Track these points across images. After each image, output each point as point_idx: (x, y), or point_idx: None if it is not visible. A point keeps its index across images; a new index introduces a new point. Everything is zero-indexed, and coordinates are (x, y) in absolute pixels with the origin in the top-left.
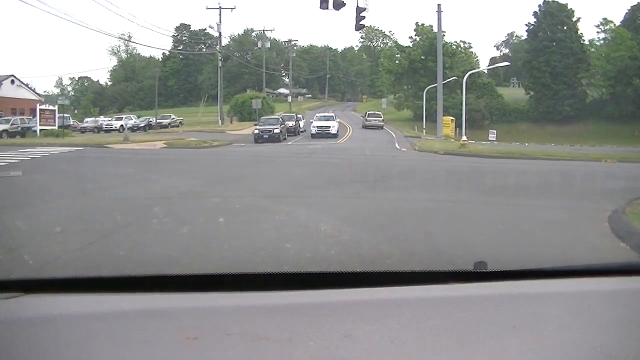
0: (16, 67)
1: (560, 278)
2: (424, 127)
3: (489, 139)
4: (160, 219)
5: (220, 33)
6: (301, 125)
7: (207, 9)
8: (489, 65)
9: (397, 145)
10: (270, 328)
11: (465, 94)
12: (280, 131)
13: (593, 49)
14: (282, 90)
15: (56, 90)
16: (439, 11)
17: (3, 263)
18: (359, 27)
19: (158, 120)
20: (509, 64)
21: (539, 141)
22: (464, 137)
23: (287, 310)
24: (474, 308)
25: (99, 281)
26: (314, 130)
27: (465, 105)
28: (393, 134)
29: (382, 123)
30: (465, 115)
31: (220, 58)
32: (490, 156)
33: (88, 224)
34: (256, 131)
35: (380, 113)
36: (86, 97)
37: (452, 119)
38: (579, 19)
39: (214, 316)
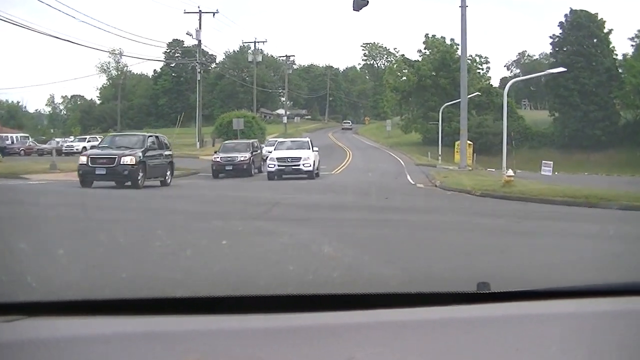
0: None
1: (564, 299)
2: (440, 153)
3: (543, 172)
4: None
5: (199, 41)
6: None
7: (185, 12)
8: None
9: (409, 177)
10: (274, 351)
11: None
12: (251, 160)
13: (628, 65)
14: (281, 111)
15: (48, 109)
16: (463, 6)
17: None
18: (359, 4)
19: None
20: (564, 69)
21: (567, 170)
22: (509, 171)
23: (290, 332)
24: (478, 330)
25: (102, 304)
26: (272, 166)
27: (507, 126)
28: (402, 162)
29: (351, 128)
30: (511, 139)
31: (199, 70)
32: (557, 201)
33: None
34: (217, 159)
35: (349, 122)
36: (73, 116)
37: (469, 143)
38: (610, 31)
39: (216, 339)
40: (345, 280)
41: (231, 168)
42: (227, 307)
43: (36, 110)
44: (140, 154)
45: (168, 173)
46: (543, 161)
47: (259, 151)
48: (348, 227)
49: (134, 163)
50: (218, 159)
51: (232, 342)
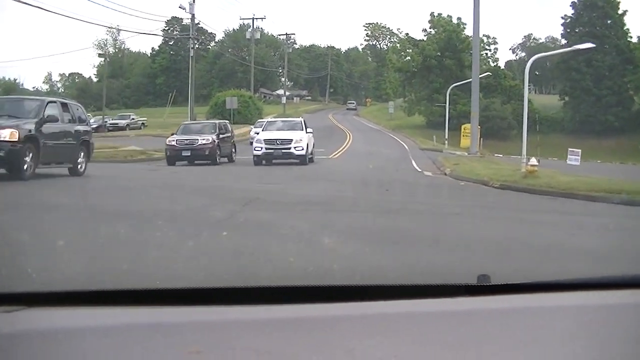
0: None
1: (565, 291)
2: (447, 137)
3: (569, 162)
4: None
5: (193, 15)
6: None
7: None
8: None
9: (414, 164)
10: (274, 342)
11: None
12: (215, 144)
13: None
14: (281, 92)
15: (45, 87)
16: None
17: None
18: None
19: (114, 121)
20: (593, 45)
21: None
22: (532, 160)
23: (291, 324)
24: (478, 322)
25: (102, 294)
26: (258, 150)
27: (527, 109)
28: (405, 146)
29: (356, 109)
30: (529, 124)
31: (192, 46)
32: (598, 198)
33: None
34: (171, 142)
35: (354, 102)
36: (70, 94)
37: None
38: (625, 12)
39: (217, 330)
40: (345, 274)
41: (189, 154)
42: (228, 298)
43: (34, 87)
44: (31, 127)
45: (81, 157)
46: (569, 149)
47: (228, 134)
48: (344, 231)
49: (16, 140)
50: (173, 143)
51: (232, 333)
